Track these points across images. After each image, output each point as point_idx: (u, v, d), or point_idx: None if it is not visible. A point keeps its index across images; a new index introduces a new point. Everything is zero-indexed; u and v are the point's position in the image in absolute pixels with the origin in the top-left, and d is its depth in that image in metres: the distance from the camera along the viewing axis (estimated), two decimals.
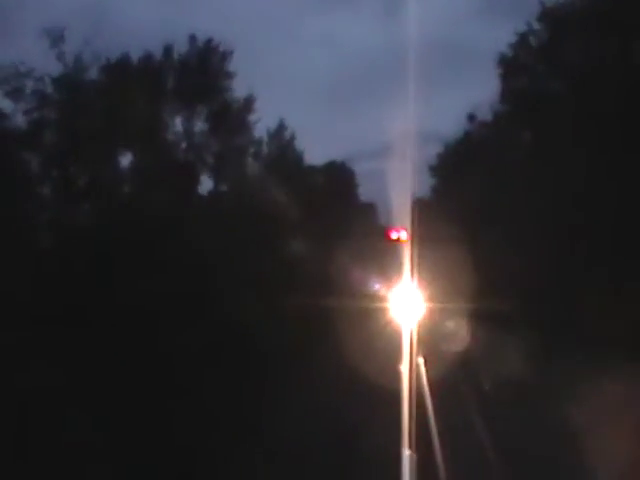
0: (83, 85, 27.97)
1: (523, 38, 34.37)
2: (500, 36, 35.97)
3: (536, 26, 33.50)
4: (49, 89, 26.34)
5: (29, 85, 25.39)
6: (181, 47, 33.85)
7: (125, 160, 32.69)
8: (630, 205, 25.08)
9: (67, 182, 25.59)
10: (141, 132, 32.86)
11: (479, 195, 42.78)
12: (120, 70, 30.55)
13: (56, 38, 25.04)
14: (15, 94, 25.14)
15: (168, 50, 33.49)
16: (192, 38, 33.99)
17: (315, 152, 45.52)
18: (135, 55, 31.75)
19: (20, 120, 25.24)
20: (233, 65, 35.08)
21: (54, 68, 26.05)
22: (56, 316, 17.94)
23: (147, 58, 32.08)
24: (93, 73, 28.55)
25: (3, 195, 22.02)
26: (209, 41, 34.45)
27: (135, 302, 21.48)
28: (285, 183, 42.20)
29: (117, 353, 16.81)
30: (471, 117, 47.48)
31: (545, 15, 32.77)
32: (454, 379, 17.38)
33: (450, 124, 47.00)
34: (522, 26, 34.05)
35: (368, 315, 25.57)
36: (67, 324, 18.16)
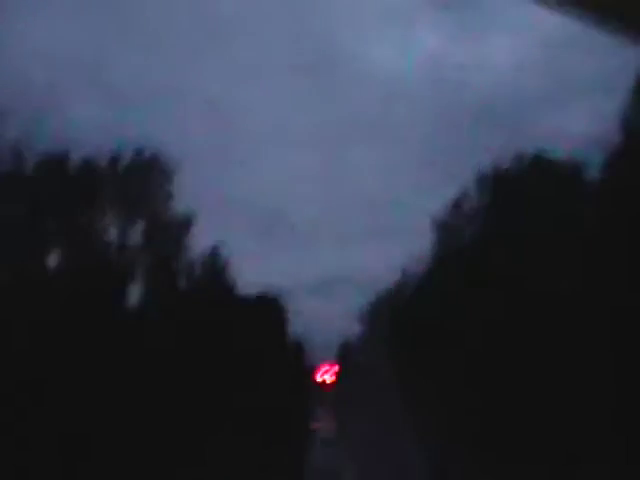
0: (18, 178, 27.64)
1: (457, 204, 35.71)
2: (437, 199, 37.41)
3: (471, 192, 34.91)
4: None
5: None
6: (126, 159, 33.68)
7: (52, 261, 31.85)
8: None
9: None
10: (72, 234, 32.37)
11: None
12: (59, 169, 30.29)
13: None
14: None
15: (112, 161, 33.26)
16: (138, 152, 33.99)
17: (248, 283, 45.34)
18: (78, 158, 31.48)
19: None
20: (174, 185, 35.16)
21: None
22: None
23: (87, 165, 31.78)
24: (29, 169, 28.34)
25: None
26: (154, 157, 34.47)
27: None
28: (215, 310, 41.60)
29: None
30: (404, 272, 48.25)
31: (480, 183, 34.25)
32: None
33: (390, 271, 48.01)
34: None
35: None
36: None
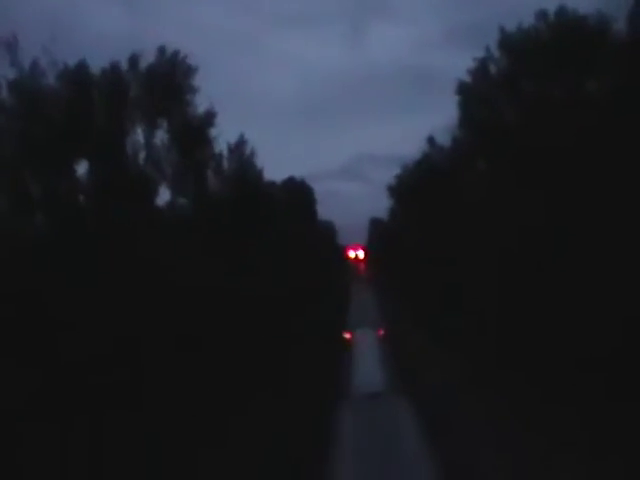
0: (40, 91, 27.41)
1: (482, 65, 34.99)
2: (462, 62, 36.76)
3: (495, 53, 34.11)
4: (4, 94, 25.89)
5: None
6: (147, 58, 33.25)
7: (82, 169, 32.18)
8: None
9: (21, 192, 25.18)
10: (100, 141, 32.46)
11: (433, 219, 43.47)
12: (81, 77, 30.05)
13: (10, 44, 24.63)
14: None
15: (133, 60, 32.91)
16: (160, 49, 33.55)
17: (275, 169, 45.70)
18: (100, 63, 31.17)
19: None
20: (197, 80, 34.94)
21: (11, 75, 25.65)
22: None
23: (110, 67, 31.54)
24: (51, 80, 28.09)
25: None
26: (175, 54, 34.15)
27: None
28: (245, 196, 42.25)
29: None
30: (430, 140, 48.27)
31: (504, 42, 33.38)
32: None
33: (411, 147, 48.21)
34: (482, 52, 34.75)
35: None
36: None
